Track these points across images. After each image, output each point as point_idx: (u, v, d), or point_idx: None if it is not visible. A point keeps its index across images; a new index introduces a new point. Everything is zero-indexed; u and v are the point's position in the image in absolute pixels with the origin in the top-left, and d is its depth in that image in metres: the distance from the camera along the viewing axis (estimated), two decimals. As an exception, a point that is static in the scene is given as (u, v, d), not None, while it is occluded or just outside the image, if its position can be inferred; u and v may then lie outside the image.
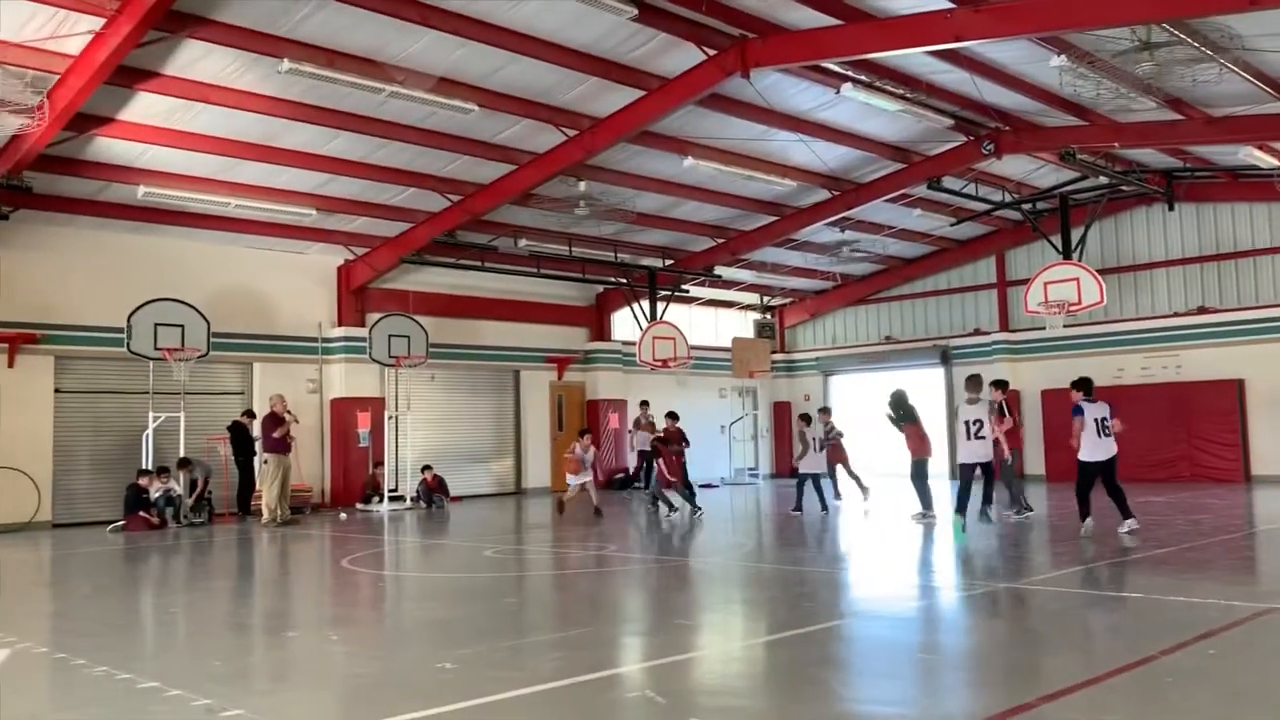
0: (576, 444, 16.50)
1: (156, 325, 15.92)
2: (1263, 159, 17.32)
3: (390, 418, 19.20)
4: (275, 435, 15.84)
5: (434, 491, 18.53)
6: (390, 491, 18.33)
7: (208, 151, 15.05)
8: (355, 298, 19.73)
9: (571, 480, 16.27)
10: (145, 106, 13.71)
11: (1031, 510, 13.64)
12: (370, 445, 19.01)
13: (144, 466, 15.75)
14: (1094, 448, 11.46)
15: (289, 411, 16.19)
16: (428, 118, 14.93)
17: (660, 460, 15.95)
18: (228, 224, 17.46)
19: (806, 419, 15.89)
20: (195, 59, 12.74)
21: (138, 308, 15.84)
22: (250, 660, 6.54)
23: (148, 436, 15.91)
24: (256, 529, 15.23)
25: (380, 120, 14.91)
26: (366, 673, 5.98)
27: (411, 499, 18.62)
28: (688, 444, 16.47)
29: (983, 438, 12.62)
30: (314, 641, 7.10)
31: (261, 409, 17.00)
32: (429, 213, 18.32)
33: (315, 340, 19.34)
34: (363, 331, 19.02)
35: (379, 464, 18.79)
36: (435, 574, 10.90)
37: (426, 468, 18.95)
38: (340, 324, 19.55)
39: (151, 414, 15.97)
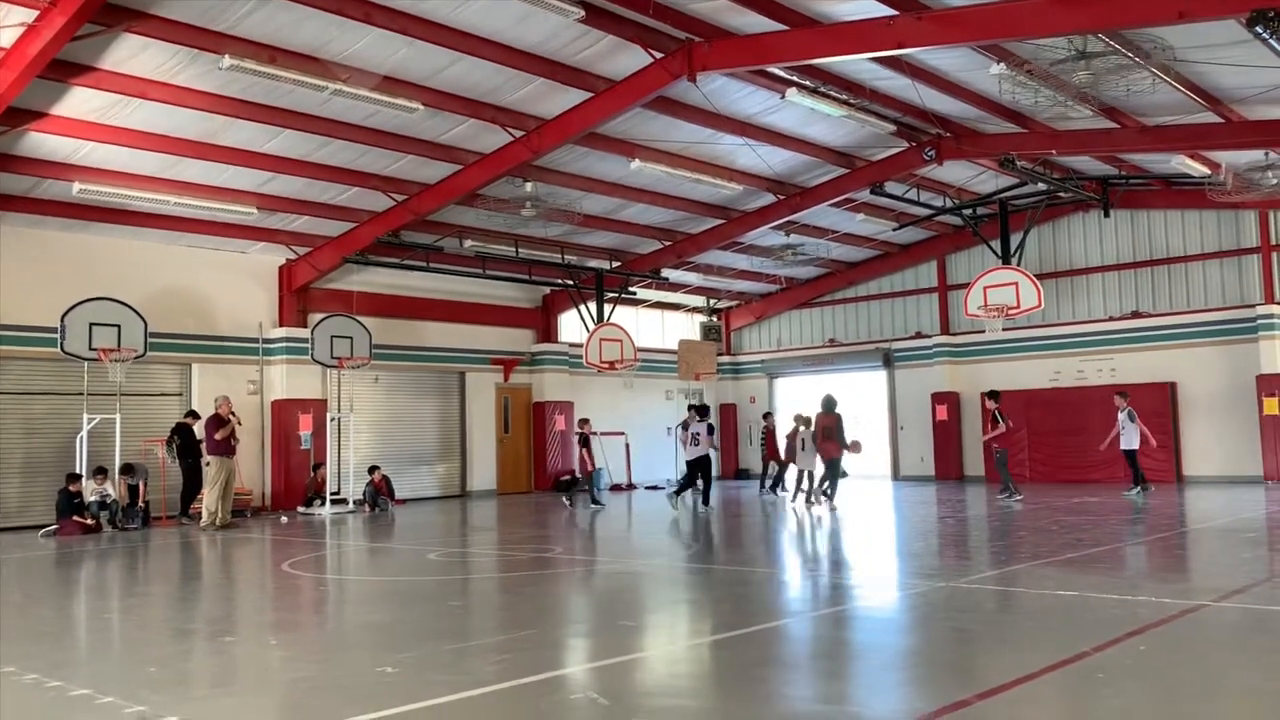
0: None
1: (91, 325, 15.57)
2: (1194, 167, 17.77)
3: (332, 419, 18.97)
4: (217, 437, 15.59)
5: (380, 493, 18.36)
6: (332, 494, 18.11)
7: (146, 148, 14.76)
8: (297, 298, 19.47)
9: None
10: (80, 101, 13.41)
11: (1020, 494, 16.96)
12: (312, 447, 18.77)
13: (76, 470, 15.38)
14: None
15: (233, 414, 15.93)
16: (371, 116, 14.79)
17: (583, 452, 18.64)
18: (166, 222, 17.14)
19: (806, 421, 17.93)
20: (132, 53, 12.50)
21: (72, 307, 15.48)
22: (187, 666, 6.42)
23: (82, 439, 15.56)
24: (195, 533, 14.96)
25: (323, 118, 14.74)
26: (306, 677, 5.91)
27: (357, 501, 18.41)
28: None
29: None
30: (253, 646, 6.99)
31: (203, 410, 16.72)
32: (373, 212, 18.15)
33: (256, 341, 19.05)
34: (304, 332, 18.78)
35: (320, 466, 18.57)
36: (378, 577, 10.79)
37: (374, 468, 18.75)
38: (281, 324, 19.28)
39: (86, 416, 15.62)
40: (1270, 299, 20.37)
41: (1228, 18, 10.82)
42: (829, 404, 17.24)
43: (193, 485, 16.56)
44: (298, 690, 5.64)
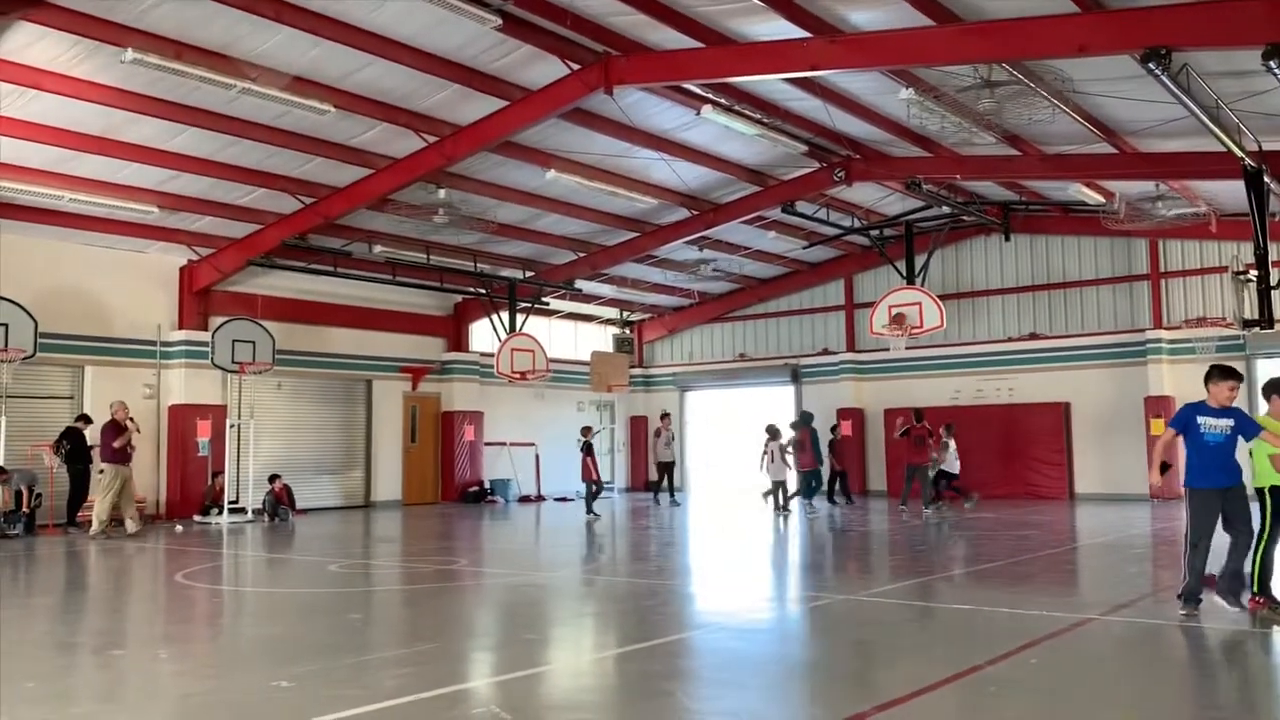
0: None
1: (-24, 324, 14.92)
2: (1089, 195, 18.45)
3: (232, 426, 18.46)
4: (115, 445, 15.03)
5: (281, 502, 17.91)
6: (231, 503, 17.61)
7: (41, 141, 14.19)
8: (198, 300, 18.90)
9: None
10: (-30, 90, 12.86)
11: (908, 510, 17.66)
12: (210, 455, 18.22)
13: (-42, 474, 14.71)
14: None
15: (131, 420, 15.38)
16: (281, 117, 14.48)
17: (587, 460, 18.64)
18: (61, 219, 16.48)
19: (774, 432, 18.25)
20: (28, 42, 12.02)
21: (-45, 304, 14.83)
22: (69, 681, 6.17)
23: (-37, 442, 14.88)
24: (83, 541, 14.40)
25: (230, 117, 14.37)
26: (197, 692, 5.72)
27: (256, 510, 17.93)
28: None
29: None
30: (141, 660, 6.74)
31: (96, 414, 16.10)
32: (280, 214, 17.75)
33: (154, 344, 18.44)
34: (205, 335, 18.26)
35: (219, 474, 18.05)
36: (275, 589, 10.53)
37: (275, 476, 18.29)
38: (181, 327, 18.69)
39: (-32, 418, 14.95)
40: (1158, 324, 21.24)
41: (1124, 54, 11.26)
42: (805, 419, 18.90)
43: (80, 492, 15.94)
44: (188, 706, 5.46)
